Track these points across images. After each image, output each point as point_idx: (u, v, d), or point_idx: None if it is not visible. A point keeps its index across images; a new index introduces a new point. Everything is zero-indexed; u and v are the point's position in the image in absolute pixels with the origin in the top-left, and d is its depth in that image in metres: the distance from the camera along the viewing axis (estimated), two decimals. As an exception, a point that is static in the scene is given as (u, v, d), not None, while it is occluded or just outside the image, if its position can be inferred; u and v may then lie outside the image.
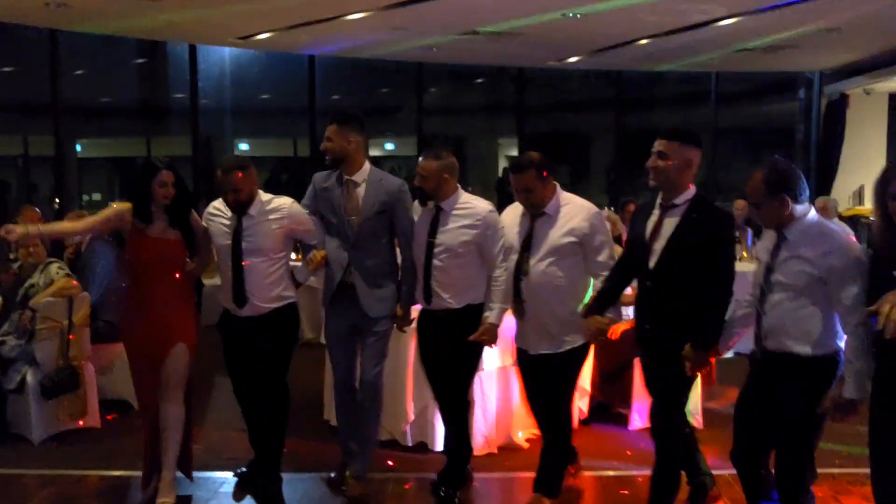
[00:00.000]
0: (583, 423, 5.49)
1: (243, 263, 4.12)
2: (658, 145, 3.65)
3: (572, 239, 3.93)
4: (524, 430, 5.10)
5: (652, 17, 7.76)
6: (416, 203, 4.28)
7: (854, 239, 3.70)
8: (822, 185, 11.44)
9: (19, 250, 5.50)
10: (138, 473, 4.30)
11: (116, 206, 4.18)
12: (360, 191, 4.21)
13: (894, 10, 7.52)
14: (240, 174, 4.05)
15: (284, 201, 4.21)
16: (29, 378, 5.08)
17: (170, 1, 7.20)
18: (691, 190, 3.65)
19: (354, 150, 4.19)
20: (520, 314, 4.06)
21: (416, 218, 4.28)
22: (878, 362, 3.02)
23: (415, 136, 12.40)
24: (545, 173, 3.95)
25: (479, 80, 14.13)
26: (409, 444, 4.98)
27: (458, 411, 4.29)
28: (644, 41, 9.02)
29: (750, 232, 7.99)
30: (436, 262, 4.11)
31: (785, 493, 3.38)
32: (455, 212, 4.13)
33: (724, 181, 12.74)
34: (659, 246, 3.63)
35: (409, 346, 4.79)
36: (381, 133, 17.87)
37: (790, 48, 9.47)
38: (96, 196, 15.25)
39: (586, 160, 13.03)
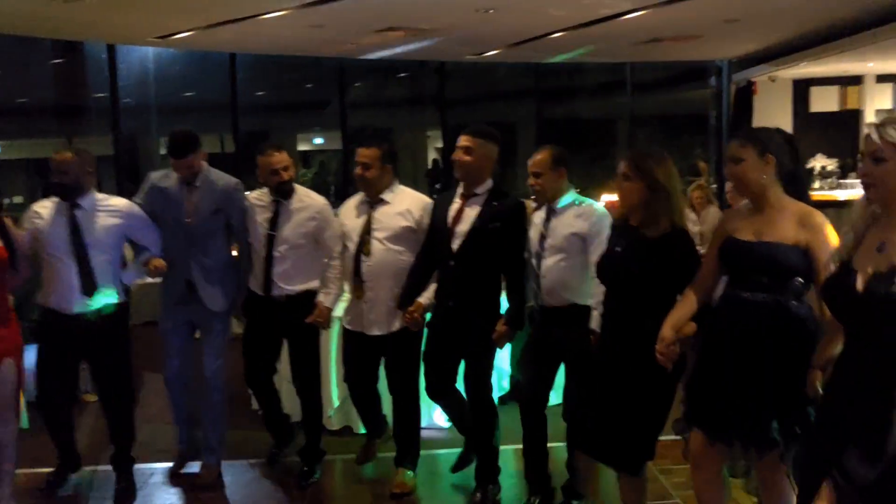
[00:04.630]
0: (502, 401, 5.75)
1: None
2: (464, 141, 4.04)
3: (408, 223, 4.25)
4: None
5: (560, 11, 8.05)
6: (254, 196, 4.50)
7: None
8: (733, 168, 11.87)
9: None
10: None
11: None
12: (197, 192, 4.37)
13: (788, 1, 7.95)
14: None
15: (121, 201, 4.26)
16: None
17: (84, 2, 7.19)
18: (489, 181, 4.09)
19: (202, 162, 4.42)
20: (359, 295, 4.30)
21: (253, 212, 4.47)
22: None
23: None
24: (387, 162, 4.33)
25: (403, 75, 14.28)
26: (335, 429, 5.23)
27: (311, 385, 4.56)
28: (557, 34, 9.31)
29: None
30: (275, 253, 4.36)
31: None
32: (293, 205, 4.39)
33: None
34: (462, 230, 4.03)
35: (332, 338, 5.00)
36: (309, 128, 17.89)
37: (696, 38, 9.88)
38: (18, 199, 14.88)
39: (513, 148, 13.27)
